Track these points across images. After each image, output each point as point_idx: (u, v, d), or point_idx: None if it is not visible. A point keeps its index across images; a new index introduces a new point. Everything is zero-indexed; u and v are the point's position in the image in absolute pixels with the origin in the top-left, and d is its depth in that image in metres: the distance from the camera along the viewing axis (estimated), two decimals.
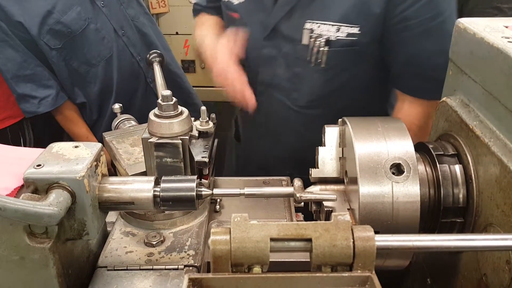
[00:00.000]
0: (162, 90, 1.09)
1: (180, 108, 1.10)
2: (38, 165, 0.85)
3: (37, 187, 0.84)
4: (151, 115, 1.08)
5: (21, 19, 2.01)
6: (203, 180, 1.11)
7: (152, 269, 0.98)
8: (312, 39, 1.47)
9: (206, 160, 1.06)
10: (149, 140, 1.06)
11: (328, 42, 1.45)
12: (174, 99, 1.07)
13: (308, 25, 1.47)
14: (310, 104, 1.59)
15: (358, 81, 1.56)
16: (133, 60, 2.32)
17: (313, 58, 1.49)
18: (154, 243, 1.05)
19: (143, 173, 1.13)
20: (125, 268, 0.99)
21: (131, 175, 1.14)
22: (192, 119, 1.13)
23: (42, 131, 2.46)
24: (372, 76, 1.58)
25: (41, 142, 2.43)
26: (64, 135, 2.39)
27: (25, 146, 2.40)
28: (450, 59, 1.05)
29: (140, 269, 0.98)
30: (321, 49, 1.47)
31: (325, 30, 1.45)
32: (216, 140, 1.19)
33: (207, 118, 1.13)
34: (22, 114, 2.33)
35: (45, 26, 2.04)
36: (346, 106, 1.55)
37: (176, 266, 0.99)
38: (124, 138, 1.32)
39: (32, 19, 2.03)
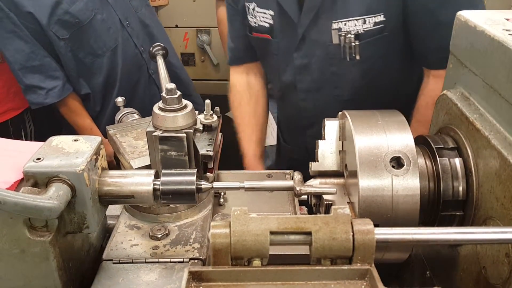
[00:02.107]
0: (166, 84, 1.09)
1: (184, 101, 1.09)
2: (38, 159, 0.85)
3: (37, 181, 0.84)
4: (155, 109, 1.08)
5: (31, 9, 2.03)
6: (208, 174, 1.10)
7: (157, 262, 0.98)
8: (342, 37, 1.52)
9: (211, 153, 1.06)
10: (154, 134, 1.05)
11: (357, 36, 1.50)
12: (179, 92, 1.07)
13: (335, 25, 1.52)
14: (355, 96, 1.63)
15: (394, 65, 1.61)
16: (137, 51, 2.34)
17: (347, 54, 1.54)
18: (159, 236, 1.06)
19: (148, 167, 1.13)
20: (131, 261, 0.99)
21: (135, 169, 1.14)
22: (196, 112, 1.13)
23: (43, 123, 2.47)
24: (405, 59, 1.63)
25: (42, 134, 2.44)
26: (63, 128, 2.40)
27: (26, 138, 2.41)
28: (450, 52, 1.05)
29: (146, 262, 0.99)
30: (353, 44, 1.51)
31: (352, 26, 1.50)
32: (221, 134, 1.18)
33: (212, 112, 1.12)
34: (23, 106, 2.34)
35: (54, 16, 2.06)
36: (387, 93, 1.61)
37: (181, 259, 0.99)
38: (127, 131, 1.31)
39: (42, 9, 2.04)
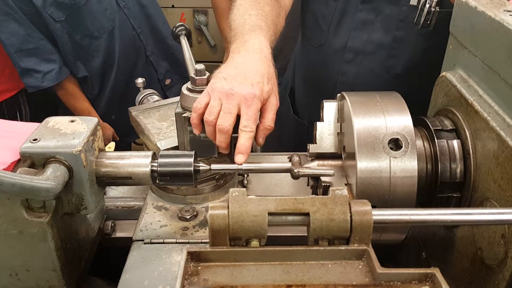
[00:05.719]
0: (194, 64, 1.07)
1: None
2: (35, 140, 0.85)
3: (34, 162, 0.83)
4: (184, 90, 1.06)
5: None
6: None
7: (188, 243, 1.00)
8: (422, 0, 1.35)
9: None
10: (183, 115, 1.04)
11: (440, 1, 1.33)
12: (207, 73, 1.06)
13: None
14: (406, 72, 1.48)
15: None
16: (134, 33, 2.31)
17: (422, 19, 1.37)
18: (188, 217, 1.06)
19: (175, 148, 1.12)
20: (162, 241, 1.00)
21: (163, 150, 1.12)
22: None
23: (38, 105, 2.45)
24: None
25: (37, 115, 2.42)
26: (59, 110, 2.38)
27: (21, 119, 2.40)
28: (450, 33, 1.04)
29: (177, 243, 1.00)
30: (433, 9, 1.34)
31: None
32: None
33: None
34: (17, 87, 2.32)
35: None
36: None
37: None
38: (150, 113, 1.29)
39: None
